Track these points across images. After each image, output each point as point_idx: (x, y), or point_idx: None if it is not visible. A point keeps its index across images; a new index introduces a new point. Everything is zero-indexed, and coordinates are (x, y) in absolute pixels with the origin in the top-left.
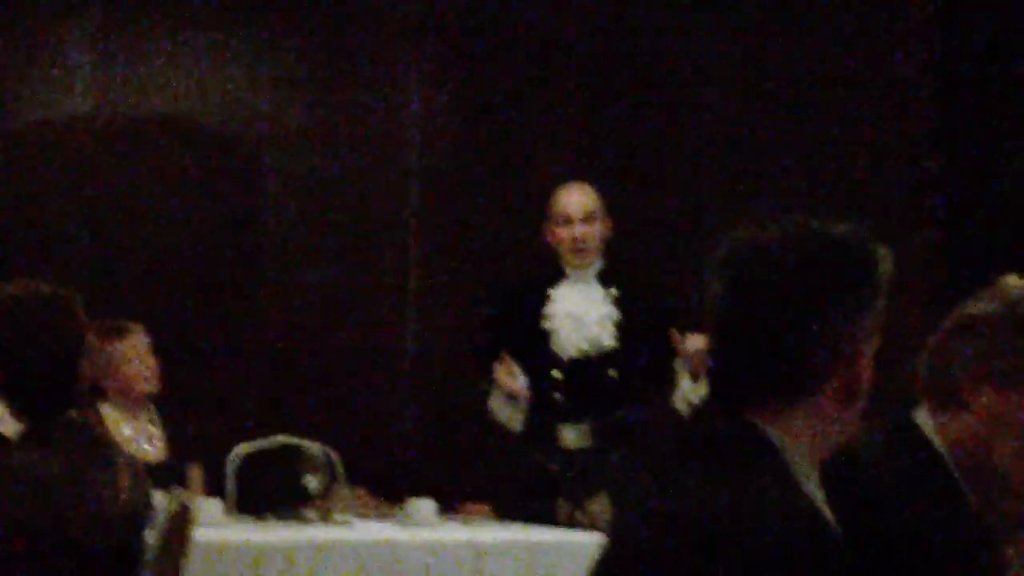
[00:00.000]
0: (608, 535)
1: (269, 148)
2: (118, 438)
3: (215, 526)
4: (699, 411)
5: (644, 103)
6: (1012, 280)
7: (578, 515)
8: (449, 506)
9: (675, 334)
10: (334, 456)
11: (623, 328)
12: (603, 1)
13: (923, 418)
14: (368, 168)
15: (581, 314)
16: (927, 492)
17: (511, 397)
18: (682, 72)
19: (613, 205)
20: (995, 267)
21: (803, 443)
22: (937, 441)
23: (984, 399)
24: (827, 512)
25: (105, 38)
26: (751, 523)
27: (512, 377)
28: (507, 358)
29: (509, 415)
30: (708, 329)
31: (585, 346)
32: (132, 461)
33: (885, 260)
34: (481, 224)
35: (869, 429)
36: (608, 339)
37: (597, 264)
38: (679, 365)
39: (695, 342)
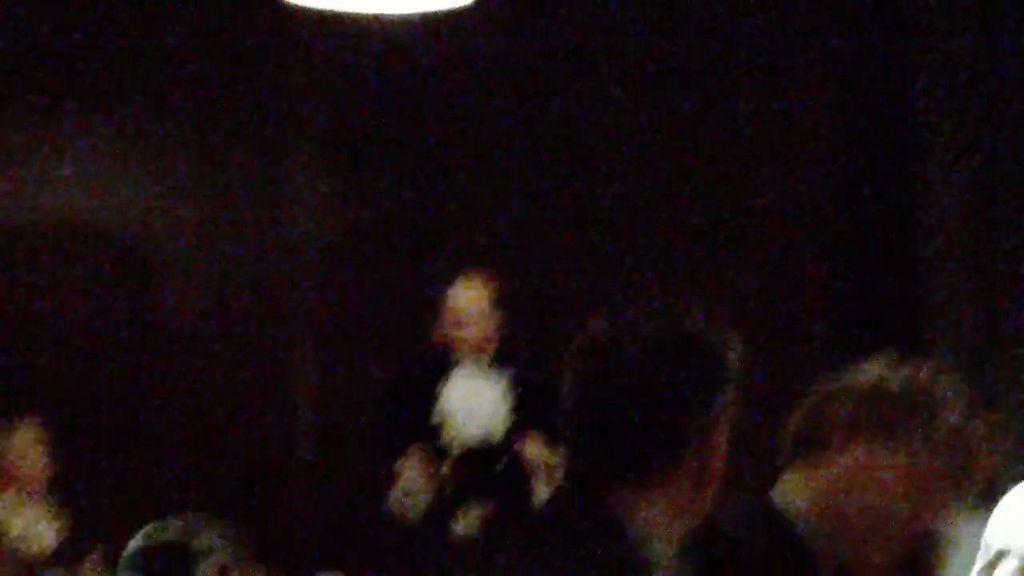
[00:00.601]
0: None
1: (165, 246)
2: (13, 531)
3: None
4: (556, 497)
5: (542, 189)
6: (875, 364)
7: None
8: None
9: (521, 444)
10: (232, 539)
11: (517, 412)
12: (499, 79)
13: (782, 488)
14: (261, 259)
15: (472, 407)
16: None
17: (410, 492)
18: (597, 153)
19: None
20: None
21: (656, 527)
22: (793, 508)
23: (853, 452)
24: None
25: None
26: None
27: (420, 480)
28: (414, 457)
29: (412, 507)
30: (564, 419)
31: (476, 439)
32: (10, 554)
33: (734, 348)
34: (375, 308)
35: (731, 509)
36: (501, 428)
37: (486, 355)
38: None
39: (532, 449)
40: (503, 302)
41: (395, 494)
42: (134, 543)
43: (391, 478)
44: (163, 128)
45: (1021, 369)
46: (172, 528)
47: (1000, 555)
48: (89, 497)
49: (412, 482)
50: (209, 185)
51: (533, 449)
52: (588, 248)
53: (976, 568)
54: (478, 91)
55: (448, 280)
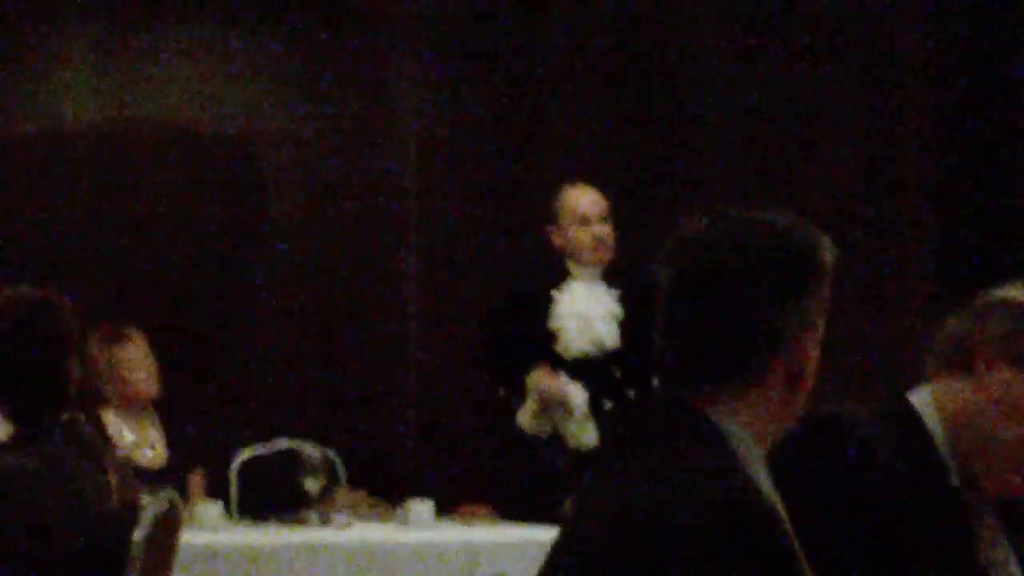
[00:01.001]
0: (562, 527)
1: (268, 153)
2: (120, 444)
3: (216, 529)
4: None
5: (647, 106)
6: None
7: None
8: (448, 507)
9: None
10: (333, 459)
11: (627, 326)
12: (602, 5)
13: (923, 396)
14: (367, 173)
15: (586, 314)
16: (907, 476)
17: (549, 406)
18: (684, 76)
19: (618, 207)
20: (986, 271)
21: (749, 430)
22: (931, 416)
23: (999, 375)
24: (774, 497)
25: (100, 45)
26: (691, 510)
27: (562, 387)
28: (545, 370)
29: (544, 426)
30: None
31: (590, 347)
32: (121, 463)
33: (826, 249)
34: (481, 228)
35: (861, 407)
36: (613, 339)
37: (601, 264)
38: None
39: (538, 378)
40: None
41: (530, 410)
42: (248, 451)
43: (516, 395)
44: (269, 34)
45: None
46: (279, 445)
47: None
48: (192, 417)
49: (553, 395)
50: (311, 92)
51: (542, 383)
52: (686, 170)
53: None
54: (585, 9)
55: (555, 188)
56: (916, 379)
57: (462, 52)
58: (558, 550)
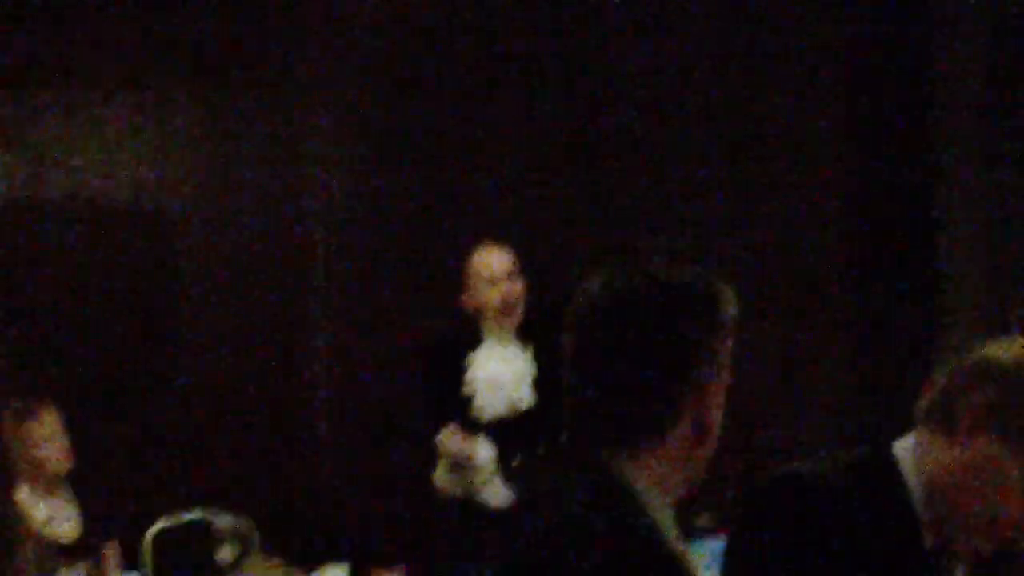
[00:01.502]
0: None
1: (179, 224)
2: (33, 520)
3: None
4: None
5: (561, 168)
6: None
7: None
8: (362, 572)
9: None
10: (247, 527)
11: (540, 385)
12: (519, 61)
13: (908, 446)
14: (277, 241)
15: (500, 376)
16: (871, 532)
17: (457, 466)
18: (615, 125)
19: (537, 264)
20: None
21: (655, 483)
22: (911, 468)
23: (980, 444)
24: (679, 549)
25: (7, 120)
26: (599, 560)
27: (467, 447)
28: (455, 431)
29: (457, 484)
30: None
31: (504, 410)
32: (36, 539)
33: (728, 301)
34: (393, 293)
35: (838, 454)
36: (525, 399)
37: (515, 324)
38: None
39: (445, 438)
40: (524, 271)
41: (442, 469)
42: (158, 524)
43: (430, 455)
44: (179, 101)
45: None
46: (193, 515)
47: None
48: (105, 490)
49: (462, 454)
50: (226, 157)
51: (451, 443)
52: (605, 228)
53: None
54: (498, 60)
55: (468, 251)
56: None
57: (373, 110)
58: None
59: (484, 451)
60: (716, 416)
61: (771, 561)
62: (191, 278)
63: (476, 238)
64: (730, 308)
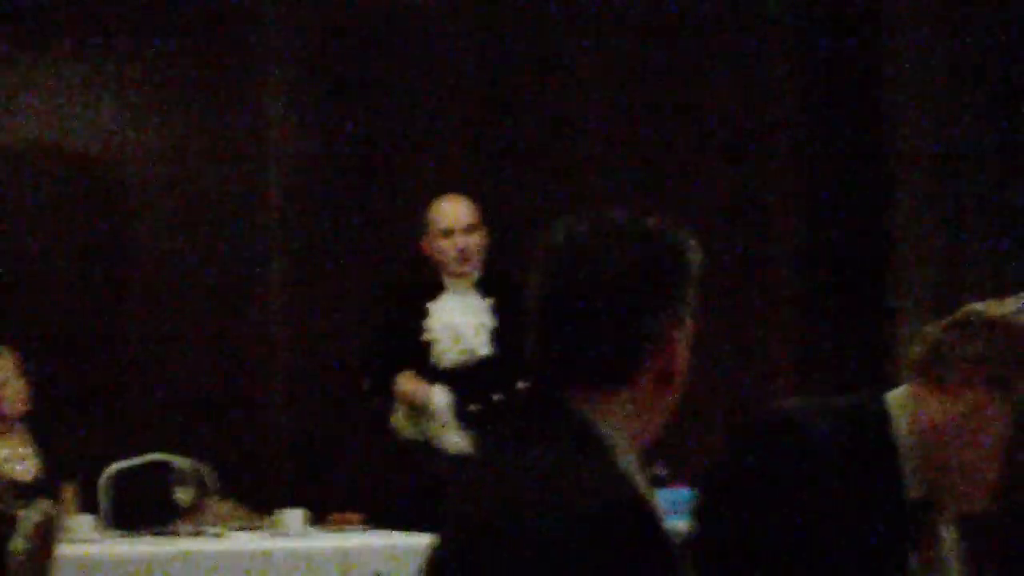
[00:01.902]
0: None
1: (135, 170)
2: None
3: (88, 542)
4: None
5: (518, 111)
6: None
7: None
8: (319, 516)
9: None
10: (205, 470)
11: (499, 336)
12: (473, 12)
13: (900, 398)
14: (233, 187)
15: (459, 325)
16: (849, 481)
17: (416, 410)
18: (558, 86)
19: (489, 213)
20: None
21: (621, 429)
22: (901, 420)
23: (971, 395)
24: (649, 494)
25: None
26: (568, 506)
27: (424, 391)
28: (410, 376)
29: (414, 428)
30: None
31: (462, 357)
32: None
33: (694, 250)
34: (347, 240)
35: (831, 400)
36: (484, 348)
37: (475, 274)
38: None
39: (402, 383)
40: (488, 223)
41: (400, 414)
42: (116, 464)
43: (389, 399)
44: (136, 53)
45: None
46: (151, 456)
47: None
48: (63, 431)
49: (419, 398)
50: (182, 110)
51: (407, 387)
52: (560, 179)
53: None
54: (451, 19)
55: (427, 199)
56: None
57: (330, 65)
58: (437, 551)
59: (441, 397)
60: (682, 363)
61: (750, 497)
62: (147, 223)
63: (438, 186)
64: (696, 256)
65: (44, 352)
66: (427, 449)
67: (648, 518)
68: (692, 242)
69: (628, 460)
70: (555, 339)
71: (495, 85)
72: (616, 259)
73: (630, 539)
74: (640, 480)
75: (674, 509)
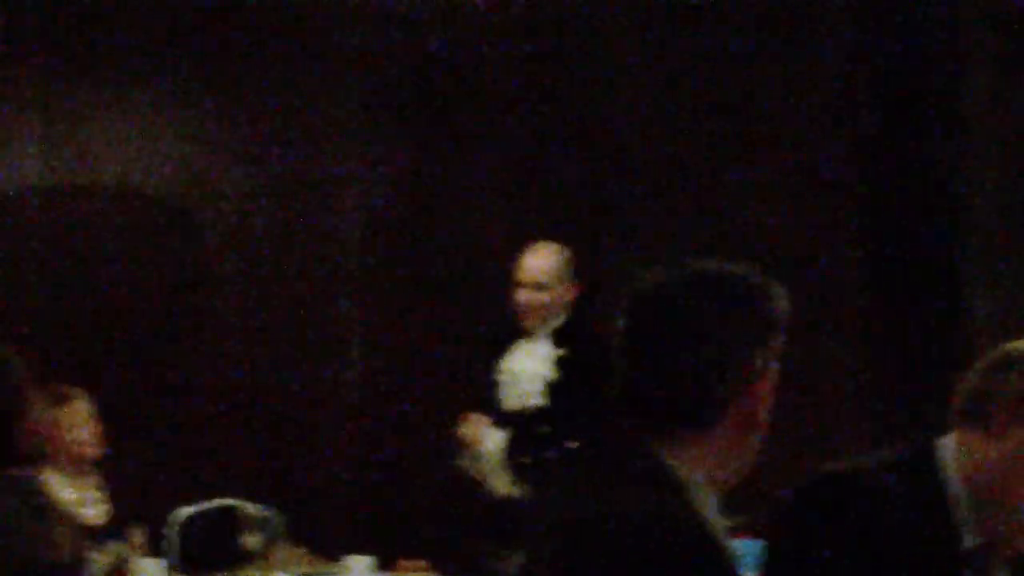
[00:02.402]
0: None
1: (212, 213)
2: (62, 503)
3: None
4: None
5: (589, 159)
6: None
7: (513, 558)
8: (387, 564)
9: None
10: (274, 516)
11: (554, 386)
12: (540, 61)
13: (949, 446)
14: (310, 233)
15: (519, 371)
16: (917, 533)
17: (473, 453)
18: (619, 123)
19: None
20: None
21: (701, 473)
22: (952, 468)
23: (1018, 431)
24: (724, 538)
25: (50, 106)
26: (639, 537)
27: (477, 435)
28: (473, 418)
29: (480, 470)
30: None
31: (520, 401)
32: (68, 516)
33: (780, 298)
34: (423, 276)
35: (884, 452)
36: (536, 397)
37: (552, 324)
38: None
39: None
40: (576, 272)
41: (466, 455)
42: (185, 509)
43: (455, 441)
44: (213, 92)
45: None
46: (219, 502)
47: None
48: (133, 475)
49: (470, 440)
50: (258, 149)
51: (468, 430)
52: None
53: None
54: (519, 51)
55: (512, 250)
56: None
57: (405, 101)
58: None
59: (491, 441)
60: (764, 411)
61: (812, 561)
62: (222, 264)
63: (512, 227)
64: (782, 304)
65: (117, 394)
66: (483, 493)
67: (716, 556)
68: (779, 290)
69: (705, 503)
70: (637, 383)
71: (564, 120)
72: (699, 305)
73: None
74: (717, 520)
75: (749, 560)
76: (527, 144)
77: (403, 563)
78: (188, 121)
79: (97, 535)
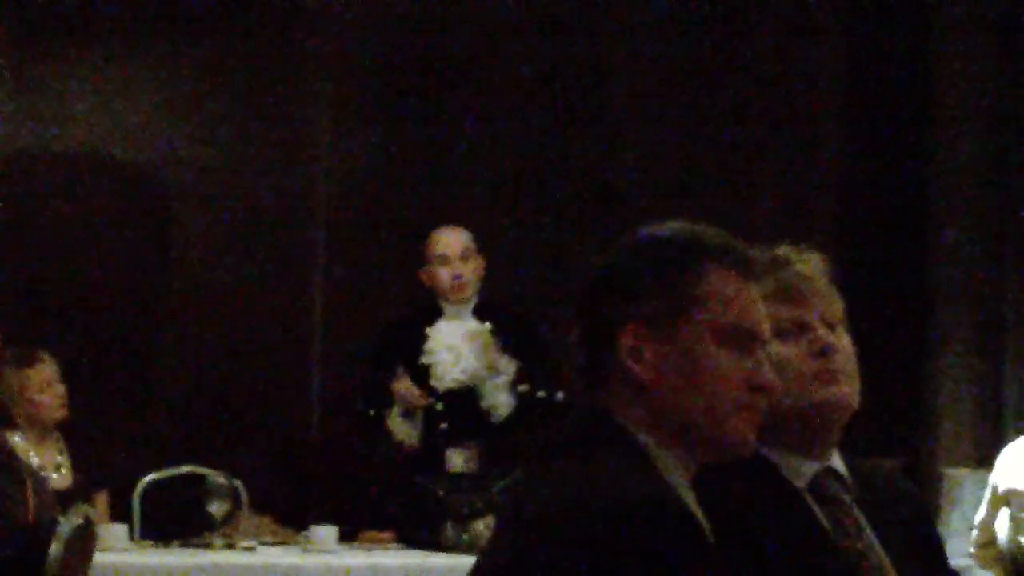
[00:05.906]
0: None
1: (177, 180)
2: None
3: (120, 551)
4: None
5: (585, 155)
6: None
7: (464, 537)
8: (351, 533)
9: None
10: (238, 484)
11: (498, 357)
12: (525, 35)
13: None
14: (276, 200)
15: (458, 348)
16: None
17: (408, 414)
18: (612, 97)
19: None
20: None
21: (675, 449)
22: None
23: None
24: (695, 509)
25: (20, 72)
26: (611, 513)
27: (413, 390)
28: (405, 376)
29: (408, 431)
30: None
31: (463, 377)
32: (38, 478)
33: (692, 257)
34: (387, 258)
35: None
36: (483, 370)
37: (473, 300)
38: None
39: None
40: (482, 249)
41: (395, 415)
42: (149, 475)
43: (388, 401)
44: (183, 63)
45: None
46: (184, 468)
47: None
48: (98, 440)
49: (411, 398)
50: (229, 118)
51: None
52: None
53: (983, 506)
54: (501, 33)
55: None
56: None
57: (379, 75)
58: (487, 557)
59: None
60: (709, 372)
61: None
62: (190, 232)
63: (487, 200)
64: (715, 263)
65: (81, 359)
66: (426, 468)
67: (686, 525)
68: (712, 240)
69: (676, 475)
70: (584, 348)
71: (551, 95)
72: (602, 264)
73: (669, 549)
74: (688, 494)
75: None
76: (505, 123)
77: (368, 533)
78: (161, 89)
79: (61, 499)
